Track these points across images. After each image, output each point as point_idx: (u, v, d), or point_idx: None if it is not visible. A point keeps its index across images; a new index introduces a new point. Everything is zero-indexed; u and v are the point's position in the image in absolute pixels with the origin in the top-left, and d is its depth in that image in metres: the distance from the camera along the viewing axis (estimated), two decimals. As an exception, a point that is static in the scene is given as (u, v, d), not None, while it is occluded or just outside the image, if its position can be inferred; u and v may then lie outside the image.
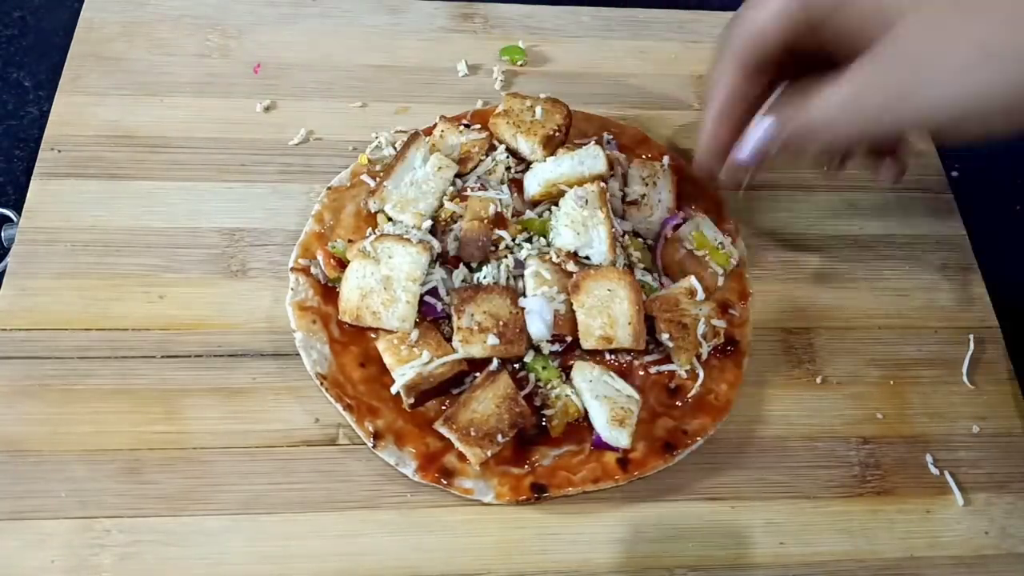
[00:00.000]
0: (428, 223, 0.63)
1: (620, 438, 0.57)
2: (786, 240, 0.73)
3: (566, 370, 0.61)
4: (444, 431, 0.56)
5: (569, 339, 0.61)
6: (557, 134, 0.68)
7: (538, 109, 0.69)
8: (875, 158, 0.62)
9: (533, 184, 0.66)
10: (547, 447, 0.59)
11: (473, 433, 0.56)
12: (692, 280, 0.63)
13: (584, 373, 0.59)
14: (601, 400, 0.58)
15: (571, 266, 0.61)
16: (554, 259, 0.62)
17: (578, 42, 0.82)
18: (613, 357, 0.62)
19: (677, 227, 0.67)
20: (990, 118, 0.47)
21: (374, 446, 0.57)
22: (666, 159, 0.70)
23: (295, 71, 0.76)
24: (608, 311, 0.59)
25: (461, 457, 0.57)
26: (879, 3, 0.48)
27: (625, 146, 0.72)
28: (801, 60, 0.54)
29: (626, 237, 0.66)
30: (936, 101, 0.47)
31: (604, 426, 0.57)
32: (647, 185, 0.67)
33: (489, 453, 0.56)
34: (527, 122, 0.68)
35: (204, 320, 0.63)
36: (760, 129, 0.55)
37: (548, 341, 0.60)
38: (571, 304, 0.61)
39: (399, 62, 0.78)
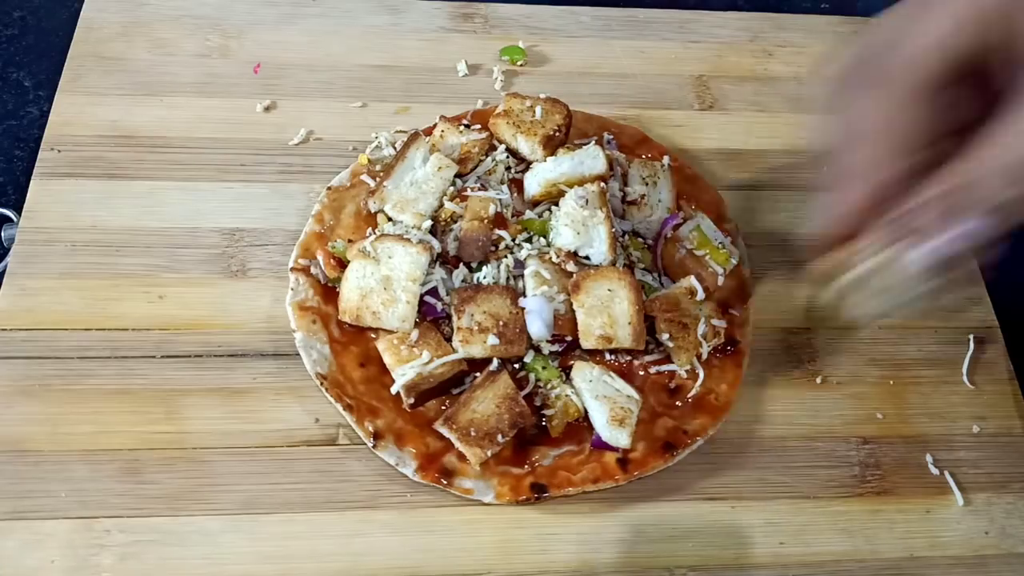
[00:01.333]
0: (428, 223, 0.63)
1: (620, 438, 0.57)
2: (786, 240, 0.73)
3: (566, 370, 0.61)
4: (444, 431, 0.56)
5: (569, 339, 0.61)
6: (557, 134, 0.68)
7: (538, 109, 0.69)
8: None
9: (533, 184, 0.66)
10: (547, 447, 0.59)
11: (473, 433, 0.56)
12: (692, 280, 0.63)
13: (584, 373, 0.59)
14: (601, 400, 0.58)
15: (571, 266, 0.61)
16: (554, 259, 0.62)
17: (578, 42, 0.82)
18: (613, 357, 0.62)
19: (677, 227, 0.67)
20: None
21: (374, 446, 0.57)
22: (666, 159, 0.70)
23: (295, 71, 0.76)
24: (608, 311, 0.59)
25: (461, 457, 0.57)
26: None
27: (625, 146, 0.72)
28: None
29: (626, 237, 0.66)
30: None
31: (604, 426, 0.57)
32: (647, 185, 0.67)
33: (489, 453, 0.56)
34: (527, 122, 0.68)
35: (204, 320, 0.63)
36: (914, 258, 0.39)
37: (548, 341, 0.60)
38: (571, 304, 0.61)
39: (399, 62, 0.78)
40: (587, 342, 0.60)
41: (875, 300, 0.41)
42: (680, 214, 0.67)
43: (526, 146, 0.68)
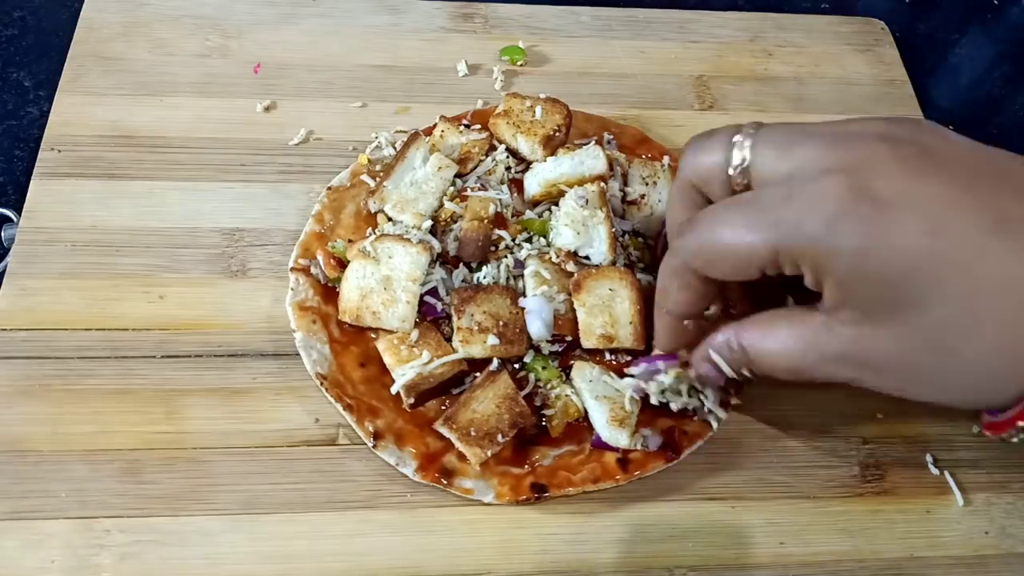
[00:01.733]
0: (428, 223, 0.63)
1: (620, 438, 0.57)
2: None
3: (566, 370, 0.61)
4: (444, 431, 0.56)
5: (569, 339, 0.61)
6: (557, 134, 0.68)
7: (538, 109, 0.69)
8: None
9: (533, 184, 0.66)
10: (547, 447, 0.59)
11: (473, 433, 0.56)
12: None
13: (584, 373, 0.59)
14: (601, 400, 0.58)
15: (571, 266, 0.61)
16: (554, 259, 0.61)
17: (578, 42, 0.82)
18: (613, 357, 0.62)
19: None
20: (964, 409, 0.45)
21: (374, 446, 0.57)
22: (666, 159, 0.70)
23: (295, 71, 0.76)
24: (610, 310, 0.59)
25: (461, 457, 0.57)
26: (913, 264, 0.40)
27: (625, 146, 0.72)
28: None
29: (626, 237, 0.66)
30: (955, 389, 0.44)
31: (604, 426, 0.57)
32: (647, 185, 0.67)
33: (489, 453, 0.56)
34: (527, 122, 0.68)
35: (204, 320, 0.63)
36: (701, 372, 0.53)
37: (548, 341, 0.60)
38: (571, 304, 0.61)
39: (399, 62, 0.78)
40: (588, 341, 0.59)
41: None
42: None
43: (526, 146, 0.68)
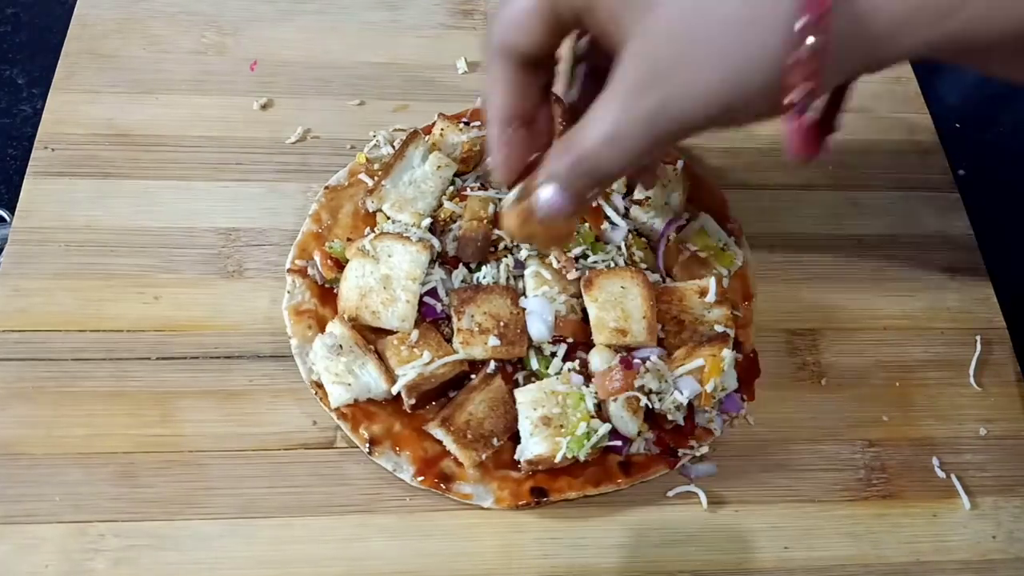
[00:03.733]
0: (427, 221, 0.62)
1: (629, 425, 0.56)
2: (789, 240, 0.72)
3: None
4: (439, 433, 0.56)
5: (571, 341, 0.60)
6: (564, 125, 0.67)
7: None
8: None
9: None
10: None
11: (469, 436, 0.55)
12: (711, 281, 0.61)
13: (526, 392, 0.57)
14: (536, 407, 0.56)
15: (572, 273, 0.60)
16: (555, 265, 0.60)
17: (579, 39, 0.81)
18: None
19: (680, 228, 0.66)
20: (748, 103, 0.42)
21: (370, 452, 0.56)
22: (680, 163, 0.69)
23: (292, 68, 0.75)
24: (621, 306, 0.59)
25: (459, 461, 0.56)
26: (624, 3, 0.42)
27: None
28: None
29: (629, 237, 0.65)
30: (704, 90, 0.42)
31: (615, 411, 0.56)
32: (658, 186, 0.66)
33: (484, 456, 0.55)
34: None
35: (200, 321, 0.62)
36: (543, 200, 0.48)
37: (549, 342, 0.59)
38: (571, 305, 0.60)
39: (398, 59, 0.77)
40: (601, 336, 0.58)
41: (524, 226, 0.50)
42: (684, 217, 0.66)
43: None
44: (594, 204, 0.61)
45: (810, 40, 0.39)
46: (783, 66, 0.40)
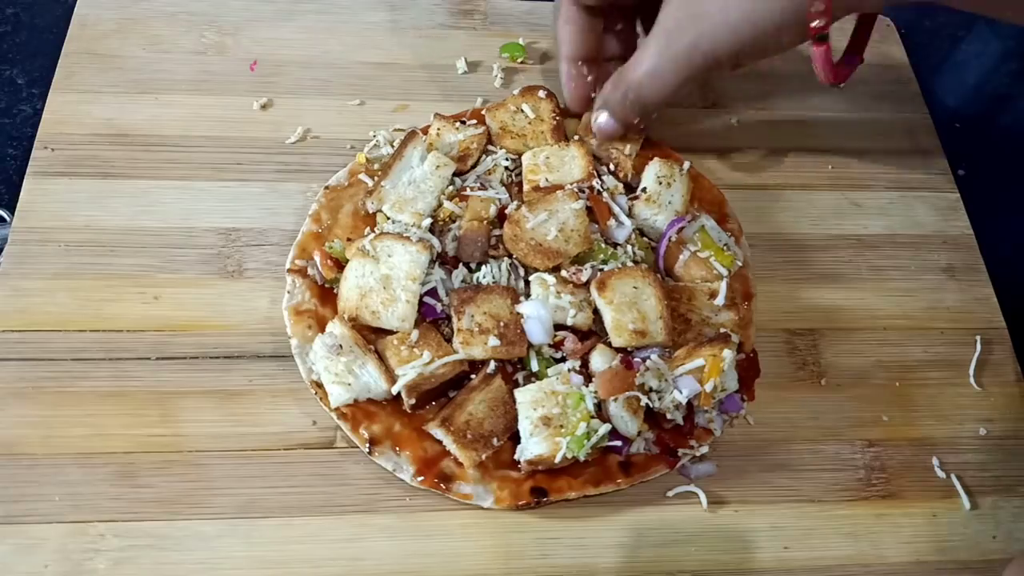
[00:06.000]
0: (427, 222, 0.62)
1: (629, 425, 0.56)
2: (789, 240, 0.72)
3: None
4: (439, 433, 0.56)
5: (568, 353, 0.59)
6: (558, 120, 0.68)
7: (525, 108, 0.68)
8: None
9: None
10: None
11: (469, 436, 0.55)
12: (721, 285, 0.62)
13: (525, 392, 0.57)
14: (537, 407, 0.56)
15: (584, 275, 0.60)
16: (564, 275, 0.60)
17: (579, 39, 0.81)
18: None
19: (681, 229, 0.66)
20: (768, 37, 0.54)
21: (370, 452, 0.56)
22: (687, 164, 0.68)
23: (292, 68, 0.75)
24: (636, 306, 0.59)
25: (459, 462, 0.56)
26: None
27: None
28: None
29: (633, 236, 0.65)
30: (725, 39, 0.54)
31: (614, 411, 0.56)
32: (660, 184, 0.66)
33: (484, 456, 0.55)
34: (528, 127, 0.68)
35: (200, 321, 0.62)
36: (597, 124, 0.64)
37: (549, 345, 0.59)
38: (577, 305, 0.59)
39: (397, 59, 0.77)
40: (620, 338, 0.58)
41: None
42: (687, 218, 0.66)
43: (547, 150, 0.67)
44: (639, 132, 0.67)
45: None
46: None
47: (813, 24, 0.52)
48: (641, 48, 0.59)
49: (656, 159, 0.67)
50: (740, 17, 0.54)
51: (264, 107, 0.73)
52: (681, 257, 0.64)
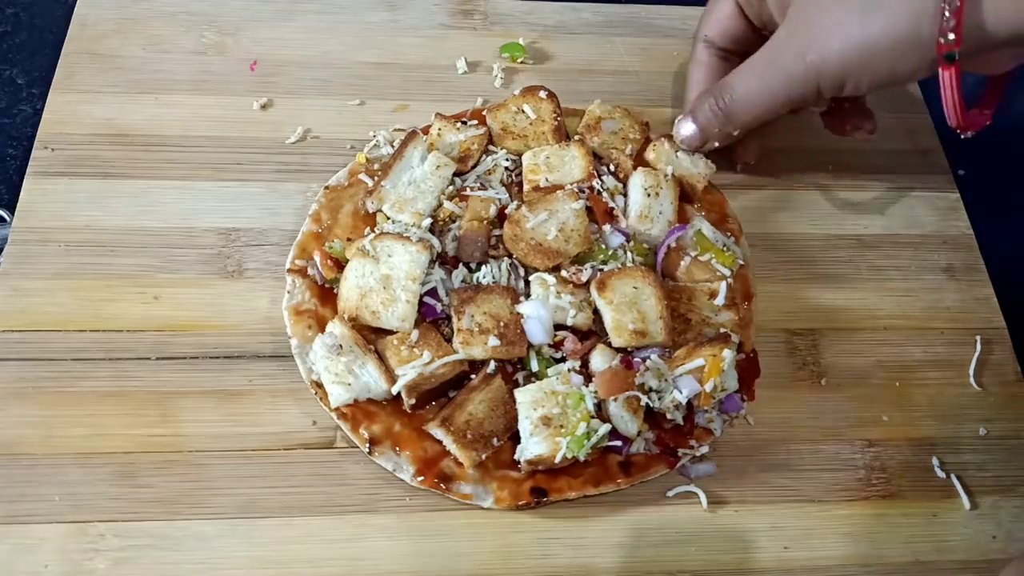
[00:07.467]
0: (427, 221, 0.62)
1: (629, 425, 0.56)
2: (790, 240, 0.72)
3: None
4: (439, 433, 0.56)
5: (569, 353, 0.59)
6: (559, 120, 0.68)
7: (526, 108, 0.68)
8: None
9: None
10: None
11: (469, 436, 0.55)
12: (721, 285, 0.61)
13: (525, 392, 0.57)
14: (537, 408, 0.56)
15: (584, 275, 0.60)
16: (564, 275, 0.60)
17: (579, 39, 0.81)
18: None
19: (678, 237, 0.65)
20: (875, 63, 0.54)
21: (370, 452, 0.56)
22: (669, 169, 0.68)
23: (292, 68, 0.75)
24: (636, 307, 0.59)
25: (459, 462, 0.56)
26: None
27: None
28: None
29: (631, 243, 0.64)
30: (833, 48, 0.55)
31: (614, 411, 0.56)
32: (649, 196, 0.65)
33: (484, 456, 0.55)
34: (529, 128, 0.68)
35: (200, 321, 0.62)
36: (679, 133, 0.66)
37: (549, 345, 0.59)
38: (573, 306, 0.60)
39: (398, 59, 0.77)
40: (620, 339, 0.58)
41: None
42: (686, 227, 0.65)
43: (548, 150, 0.67)
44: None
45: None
46: (936, 12, 0.50)
47: (942, 40, 0.50)
48: (737, 69, 0.61)
49: (639, 169, 0.66)
50: (855, 31, 0.52)
51: (264, 107, 0.73)
52: (682, 264, 0.64)
